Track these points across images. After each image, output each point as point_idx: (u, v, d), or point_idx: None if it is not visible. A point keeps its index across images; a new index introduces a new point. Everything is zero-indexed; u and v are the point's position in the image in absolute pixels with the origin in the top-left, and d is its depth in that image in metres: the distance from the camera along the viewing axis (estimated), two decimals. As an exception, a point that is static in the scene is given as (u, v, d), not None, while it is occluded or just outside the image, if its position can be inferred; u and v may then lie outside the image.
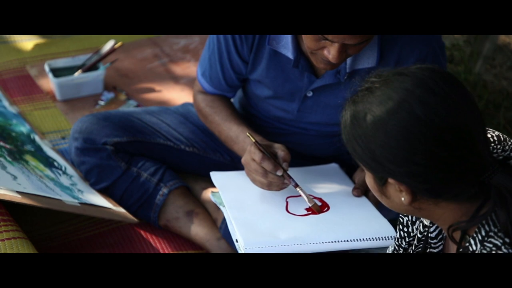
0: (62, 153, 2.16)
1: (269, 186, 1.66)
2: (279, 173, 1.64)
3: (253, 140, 1.66)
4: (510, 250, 1.04)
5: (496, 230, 1.07)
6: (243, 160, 1.68)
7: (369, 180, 1.16)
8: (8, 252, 1.58)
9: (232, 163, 2.01)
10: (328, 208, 1.69)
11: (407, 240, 1.31)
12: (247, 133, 1.72)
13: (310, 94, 1.75)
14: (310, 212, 1.68)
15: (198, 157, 2.02)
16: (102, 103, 2.51)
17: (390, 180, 1.10)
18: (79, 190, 1.90)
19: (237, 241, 1.57)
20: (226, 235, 1.87)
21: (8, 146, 2.00)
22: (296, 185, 1.66)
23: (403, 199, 1.11)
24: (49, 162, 2.01)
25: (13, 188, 1.70)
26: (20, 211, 1.85)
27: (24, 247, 1.63)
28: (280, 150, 1.67)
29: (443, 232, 1.23)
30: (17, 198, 1.67)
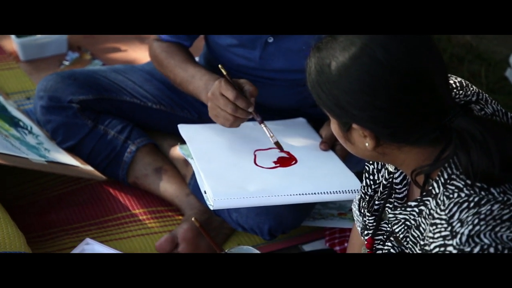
0: (27, 113, 2.14)
1: (232, 123, 1.65)
2: (251, 109, 1.64)
3: (225, 72, 1.65)
4: (471, 191, 1.07)
5: (458, 172, 1.09)
6: (210, 94, 1.65)
7: (334, 126, 1.17)
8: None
9: (200, 120, 2.00)
10: (296, 162, 1.71)
11: (373, 187, 1.33)
12: (219, 66, 1.69)
13: (271, 39, 1.75)
14: (278, 165, 1.70)
15: (165, 114, 2.01)
16: (66, 63, 2.48)
17: (354, 126, 1.12)
18: (45, 149, 1.89)
19: (205, 192, 1.58)
20: (195, 190, 1.88)
21: (-29, 107, 1.97)
22: (262, 121, 1.68)
23: (367, 144, 1.13)
24: (14, 122, 1.99)
25: (-22, 148, 1.69)
26: (-14, 171, 1.83)
27: (-9, 206, 1.62)
28: (247, 85, 1.66)
29: (407, 177, 1.25)
30: (-17, 157, 1.66)
